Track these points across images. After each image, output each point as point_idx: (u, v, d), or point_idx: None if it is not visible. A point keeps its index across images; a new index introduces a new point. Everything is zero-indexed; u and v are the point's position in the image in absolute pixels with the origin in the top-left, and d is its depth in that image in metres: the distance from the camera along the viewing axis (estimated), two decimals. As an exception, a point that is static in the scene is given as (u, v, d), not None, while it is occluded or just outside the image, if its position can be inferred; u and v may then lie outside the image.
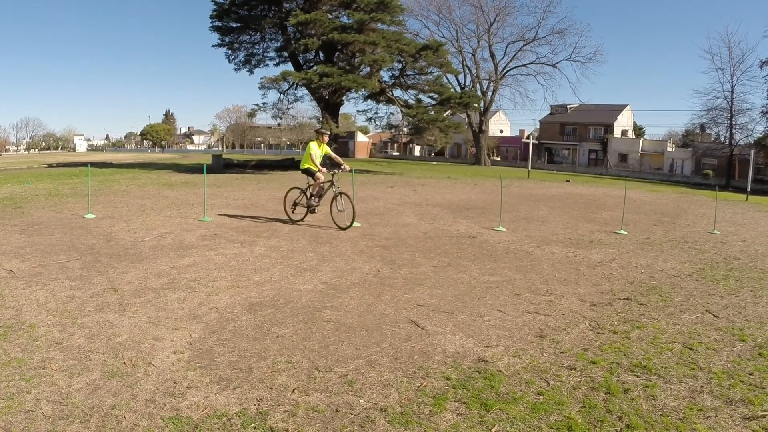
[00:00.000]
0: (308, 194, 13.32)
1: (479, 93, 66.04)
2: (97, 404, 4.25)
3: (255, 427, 4.02)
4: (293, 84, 38.41)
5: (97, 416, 4.08)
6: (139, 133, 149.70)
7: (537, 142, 79.31)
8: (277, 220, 13.79)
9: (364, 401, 4.48)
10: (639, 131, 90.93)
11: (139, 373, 4.82)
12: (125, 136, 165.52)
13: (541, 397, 4.63)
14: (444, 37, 68.03)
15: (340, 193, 13.01)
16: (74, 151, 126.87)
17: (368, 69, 38.17)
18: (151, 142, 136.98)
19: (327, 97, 39.26)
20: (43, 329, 5.77)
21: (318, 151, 12.98)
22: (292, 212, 13.63)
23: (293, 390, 4.62)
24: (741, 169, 57.65)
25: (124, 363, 5.02)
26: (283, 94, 40.82)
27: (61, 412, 4.12)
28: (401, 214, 16.05)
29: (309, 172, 13.05)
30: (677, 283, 9.03)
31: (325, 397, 4.52)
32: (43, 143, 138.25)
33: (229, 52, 41.69)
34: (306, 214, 13.59)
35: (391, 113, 47.01)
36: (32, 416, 4.04)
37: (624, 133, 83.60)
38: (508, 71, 73.08)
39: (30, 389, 4.44)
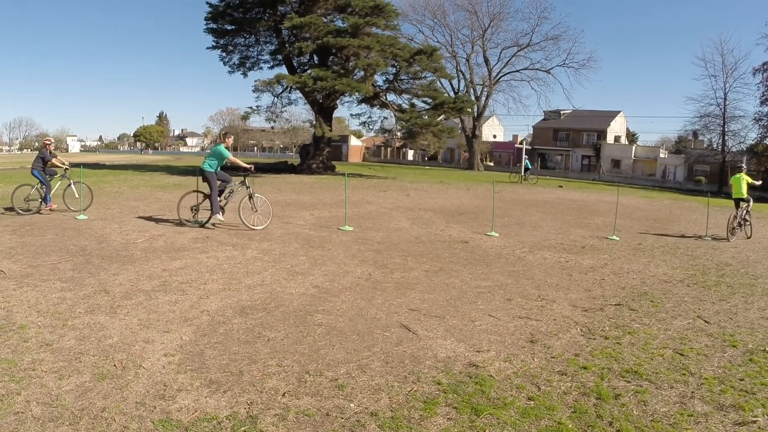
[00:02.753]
0: (738, 219, 16.30)
1: (473, 98, 66.05)
2: (87, 406, 4.23)
3: (245, 431, 4.01)
4: (287, 87, 38.36)
5: (87, 418, 4.06)
6: (132, 135, 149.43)
7: (530, 147, 79.35)
8: (269, 223, 13.74)
9: (354, 405, 4.47)
10: (632, 137, 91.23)
11: (130, 376, 4.80)
12: (118, 138, 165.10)
13: (532, 402, 4.64)
14: (438, 41, 68.22)
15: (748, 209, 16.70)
16: (67, 151, 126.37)
17: (362, 73, 38.17)
18: (144, 144, 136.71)
19: (321, 101, 39.23)
20: (33, 330, 5.75)
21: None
22: (731, 233, 16.01)
23: (284, 394, 4.61)
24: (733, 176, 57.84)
25: (115, 365, 5.00)
26: (277, 97, 40.84)
27: (50, 414, 4.10)
28: (394, 219, 16.06)
29: (747, 201, 16.50)
30: (669, 288, 9.06)
31: (316, 401, 4.52)
32: (36, 143, 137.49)
33: (224, 54, 41.63)
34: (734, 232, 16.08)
35: (384, 117, 47.20)
36: (22, 418, 4.02)
37: (617, 139, 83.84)
38: (501, 76, 73.25)
39: (20, 390, 4.41)
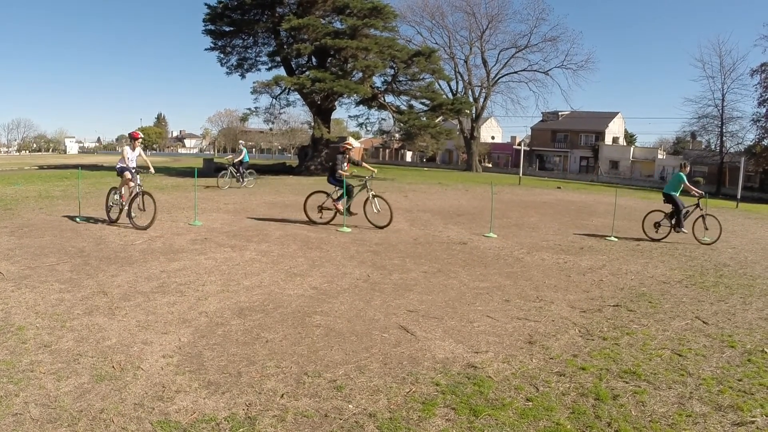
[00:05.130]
0: None
1: (471, 99, 66.11)
2: (86, 408, 4.23)
3: (244, 432, 4.01)
4: (285, 89, 38.36)
5: (86, 420, 4.06)
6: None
7: (528, 148, 79.52)
8: (267, 225, 13.74)
9: (353, 406, 4.47)
10: (630, 138, 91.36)
11: (128, 377, 4.80)
12: (117, 139, 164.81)
13: (531, 403, 4.64)
14: (436, 43, 68.26)
15: None
16: (65, 153, 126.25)
17: (360, 74, 38.18)
18: (142, 145, 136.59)
19: (319, 102, 39.24)
20: (31, 332, 5.74)
21: None
22: None
23: (282, 395, 4.61)
24: (731, 177, 57.98)
25: (113, 367, 5.00)
26: (276, 99, 40.82)
27: (49, 415, 4.10)
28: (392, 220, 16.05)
29: None
30: (667, 289, 9.06)
31: (314, 402, 4.52)
32: (35, 145, 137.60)
33: (222, 55, 41.60)
34: None
35: (382, 119, 47.19)
36: (20, 419, 4.01)
37: (615, 140, 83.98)
38: (500, 78, 73.34)
39: (18, 392, 4.41)
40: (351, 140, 14.39)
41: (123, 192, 12.93)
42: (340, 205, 13.85)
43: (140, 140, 13.35)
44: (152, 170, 13.44)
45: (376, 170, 14.53)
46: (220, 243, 11.18)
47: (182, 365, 5.12)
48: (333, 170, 14.06)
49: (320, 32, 35.35)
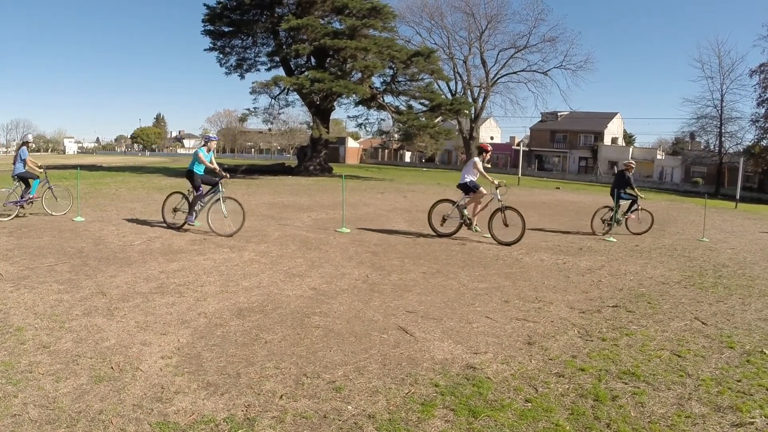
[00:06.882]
0: None
1: (470, 100, 66.04)
2: (84, 409, 4.22)
3: (243, 433, 4.01)
4: (284, 89, 38.35)
5: (84, 421, 4.05)
6: (129, 136, 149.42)
7: (527, 149, 79.46)
8: (266, 225, 13.74)
9: (352, 408, 4.47)
10: (629, 139, 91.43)
11: (127, 378, 4.79)
12: (116, 139, 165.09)
13: (530, 404, 4.64)
14: (436, 43, 68.17)
15: None
16: (64, 153, 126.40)
17: (359, 75, 38.18)
18: (141, 146, 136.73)
19: (318, 103, 39.20)
20: (30, 333, 5.73)
21: None
22: None
23: (281, 396, 4.61)
24: (730, 177, 58.10)
25: (112, 367, 4.99)
26: (275, 99, 40.79)
27: (47, 416, 4.09)
28: (391, 220, 16.06)
29: None
30: (666, 290, 9.06)
31: (313, 403, 4.51)
32: (33, 145, 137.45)
33: (221, 56, 41.58)
34: None
35: (381, 119, 47.10)
36: (19, 420, 4.01)
37: (614, 140, 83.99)
38: (499, 78, 73.29)
39: (17, 393, 4.40)
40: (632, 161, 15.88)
41: (474, 207, 13.52)
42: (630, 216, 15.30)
43: (489, 153, 13.52)
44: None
45: (643, 195, 15.96)
46: (219, 243, 11.18)
47: (181, 366, 5.12)
48: (623, 183, 15.25)
49: (319, 32, 35.33)
